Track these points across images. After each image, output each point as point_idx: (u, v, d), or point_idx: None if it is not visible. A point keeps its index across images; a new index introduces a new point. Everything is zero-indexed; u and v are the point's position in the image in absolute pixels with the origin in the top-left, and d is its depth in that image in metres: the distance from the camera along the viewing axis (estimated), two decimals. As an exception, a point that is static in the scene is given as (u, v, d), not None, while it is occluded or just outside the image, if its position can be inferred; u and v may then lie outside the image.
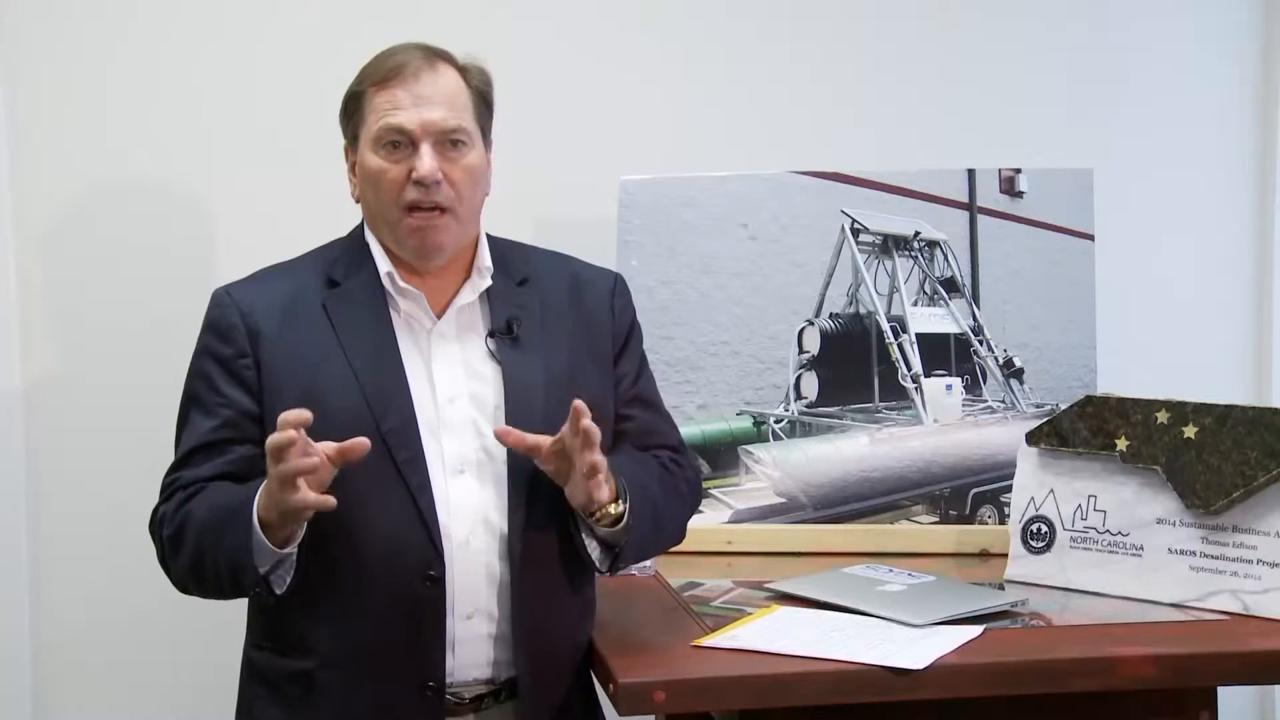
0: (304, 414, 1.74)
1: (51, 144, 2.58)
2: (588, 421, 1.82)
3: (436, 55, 1.97)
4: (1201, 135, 2.90)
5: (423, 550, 1.89)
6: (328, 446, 1.78)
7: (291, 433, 1.73)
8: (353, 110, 1.97)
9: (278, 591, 1.87)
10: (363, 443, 1.79)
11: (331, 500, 1.77)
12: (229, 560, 1.84)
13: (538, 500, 1.95)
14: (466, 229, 1.99)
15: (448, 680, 1.92)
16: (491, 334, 2.00)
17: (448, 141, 1.94)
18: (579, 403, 1.83)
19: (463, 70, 1.98)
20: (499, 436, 1.89)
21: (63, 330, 2.62)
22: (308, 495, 1.76)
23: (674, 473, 2.09)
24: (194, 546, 1.89)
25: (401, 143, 1.93)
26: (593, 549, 1.96)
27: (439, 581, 1.89)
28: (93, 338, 2.62)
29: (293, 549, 1.84)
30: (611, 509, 1.91)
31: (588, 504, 1.90)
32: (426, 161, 1.92)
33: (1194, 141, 2.90)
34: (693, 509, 2.15)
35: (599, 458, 1.85)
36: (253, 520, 1.81)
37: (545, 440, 1.88)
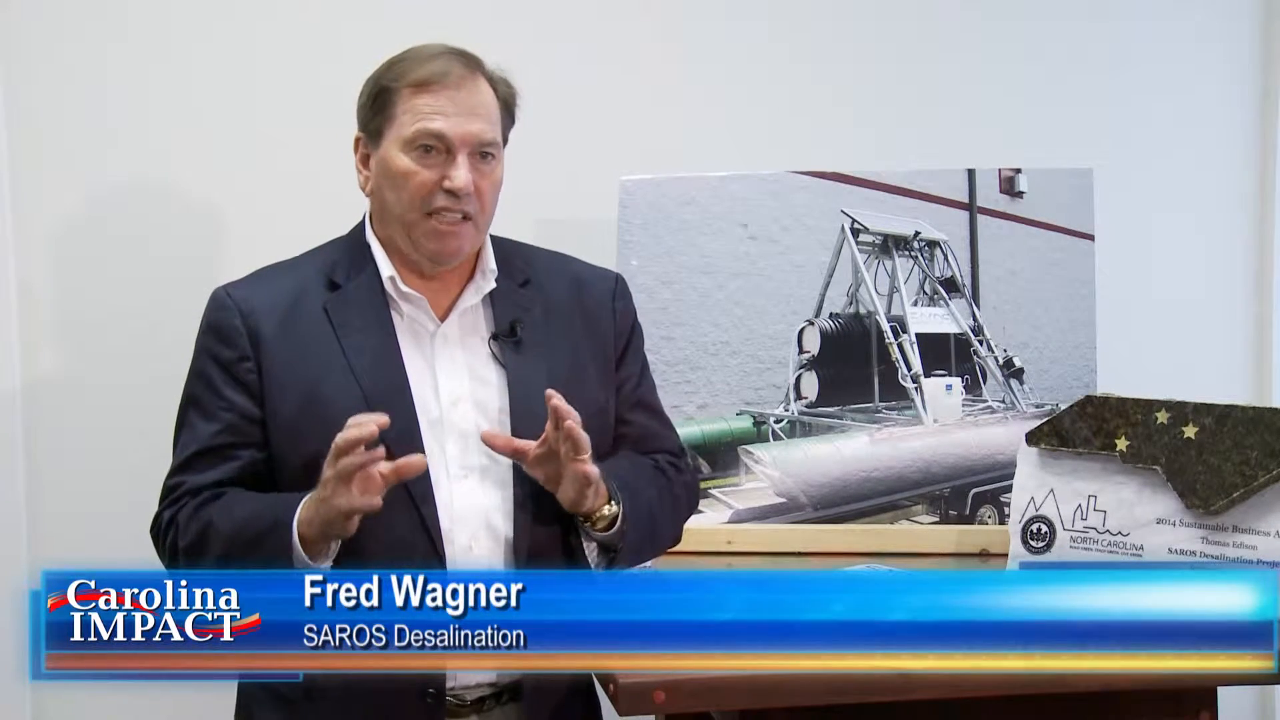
0: (381, 417, 1.76)
1: (51, 144, 2.58)
2: (572, 424, 1.83)
3: (474, 65, 1.96)
4: (1202, 135, 2.90)
5: (425, 559, 1.88)
6: (384, 466, 1.78)
7: (373, 428, 1.74)
8: (381, 105, 1.95)
9: None
10: (419, 461, 1.80)
11: (378, 501, 1.78)
12: None
13: (543, 504, 1.94)
14: (481, 237, 2.00)
15: (450, 684, 1.92)
16: (494, 336, 2.00)
17: (479, 153, 1.94)
18: (558, 402, 1.83)
19: (491, 81, 1.98)
20: (486, 440, 1.90)
21: (63, 330, 2.62)
22: (355, 499, 1.77)
23: (670, 476, 2.08)
24: (219, 561, 1.87)
25: (436, 148, 1.92)
26: (590, 551, 1.96)
27: None
28: (93, 338, 2.62)
29: (328, 564, 1.84)
30: (605, 511, 1.92)
31: (578, 508, 1.91)
32: (464, 173, 1.91)
33: (1194, 141, 2.90)
34: (689, 512, 2.15)
35: (590, 468, 1.86)
36: (293, 539, 1.81)
37: (530, 445, 1.88)
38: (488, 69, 1.98)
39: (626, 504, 1.93)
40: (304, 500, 1.83)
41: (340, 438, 1.76)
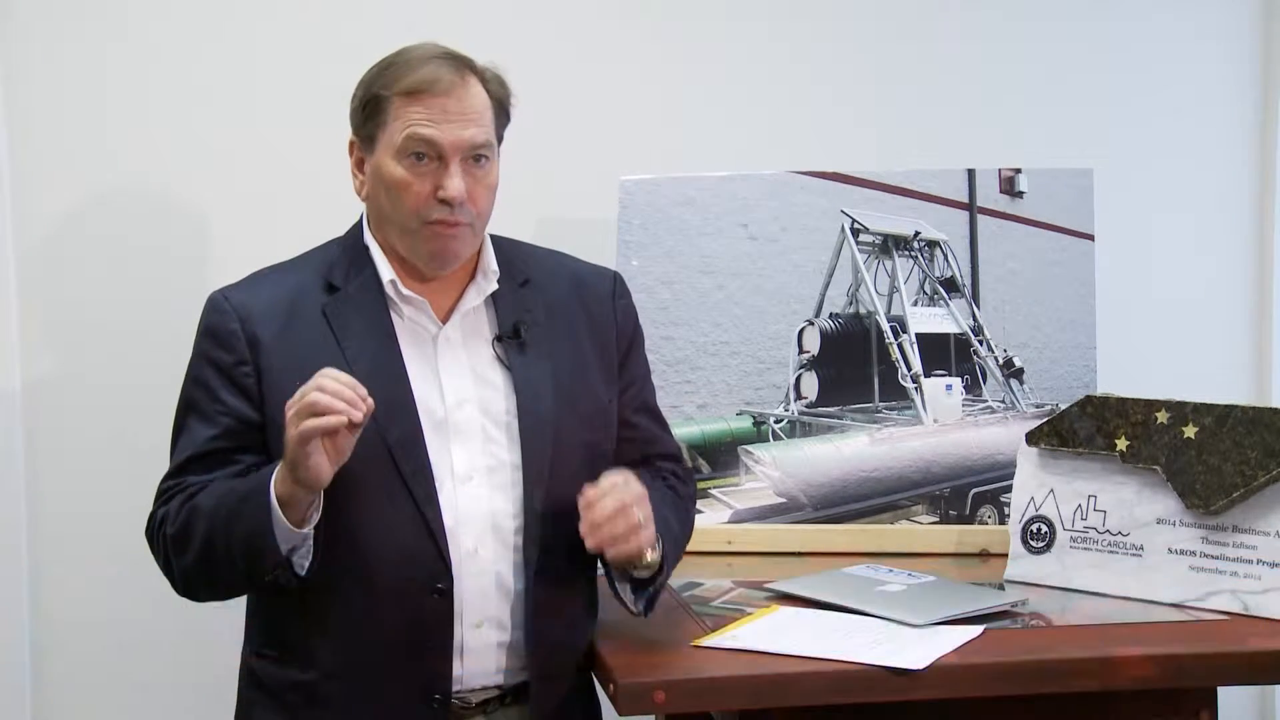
0: (367, 403, 1.77)
1: (51, 144, 2.58)
2: (621, 549, 1.87)
3: (464, 66, 1.94)
4: (1202, 135, 2.90)
5: (430, 564, 1.88)
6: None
7: (357, 416, 1.75)
8: (372, 112, 1.93)
9: (300, 574, 1.84)
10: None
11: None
12: (245, 544, 1.82)
13: (549, 505, 1.94)
14: (479, 239, 1.99)
15: (455, 688, 1.92)
16: (499, 338, 1.99)
17: (472, 158, 1.92)
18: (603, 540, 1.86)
19: (483, 79, 1.96)
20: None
21: (63, 330, 2.62)
22: (322, 459, 1.76)
23: (682, 495, 2.12)
24: (204, 537, 1.86)
25: (428, 155, 1.90)
26: (625, 591, 1.98)
27: (447, 594, 1.88)
28: (93, 338, 2.62)
29: (310, 529, 1.82)
30: (649, 558, 1.93)
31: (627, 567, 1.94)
32: (456, 182, 1.89)
33: (1194, 141, 2.90)
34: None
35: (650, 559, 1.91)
36: (270, 500, 1.79)
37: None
38: (479, 68, 1.96)
39: (666, 548, 1.95)
40: (275, 467, 1.82)
41: (319, 399, 1.75)
